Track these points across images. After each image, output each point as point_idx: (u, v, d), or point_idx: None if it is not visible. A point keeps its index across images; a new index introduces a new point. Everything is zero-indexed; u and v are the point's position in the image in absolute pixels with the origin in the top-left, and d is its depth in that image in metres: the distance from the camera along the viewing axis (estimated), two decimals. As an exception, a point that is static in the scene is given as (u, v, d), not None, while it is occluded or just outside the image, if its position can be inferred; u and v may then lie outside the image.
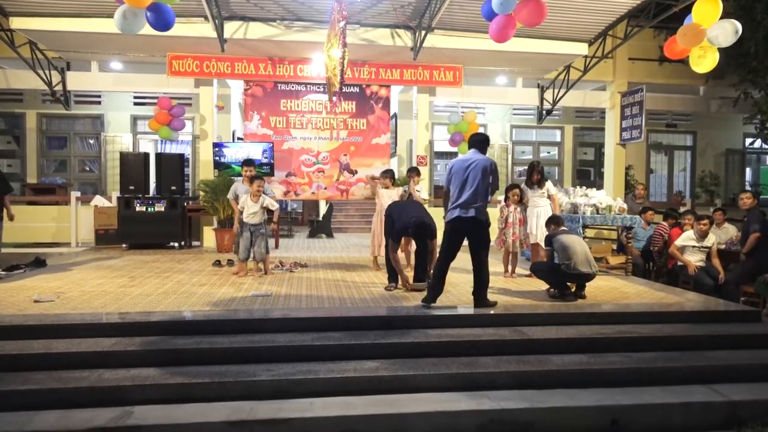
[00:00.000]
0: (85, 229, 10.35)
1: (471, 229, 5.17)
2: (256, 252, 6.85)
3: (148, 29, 6.70)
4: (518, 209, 6.91)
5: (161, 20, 6.47)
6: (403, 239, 6.68)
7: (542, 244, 6.65)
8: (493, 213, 6.21)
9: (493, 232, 7.34)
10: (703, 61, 6.95)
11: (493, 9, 6.47)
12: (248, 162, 7.87)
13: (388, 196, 7.31)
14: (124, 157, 10.03)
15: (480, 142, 5.44)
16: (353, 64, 10.81)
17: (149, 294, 5.67)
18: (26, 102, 13.37)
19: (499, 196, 8.36)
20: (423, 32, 9.85)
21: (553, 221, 6.20)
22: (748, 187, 16.15)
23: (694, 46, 6.90)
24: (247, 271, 7.01)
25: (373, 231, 7.57)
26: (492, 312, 5.08)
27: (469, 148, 5.50)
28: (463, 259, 5.42)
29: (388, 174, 7.63)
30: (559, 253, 5.72)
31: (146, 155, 10.13)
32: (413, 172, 7.57)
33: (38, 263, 8.03)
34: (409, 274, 6.85)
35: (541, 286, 6.39)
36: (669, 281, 7.68)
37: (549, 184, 7.23)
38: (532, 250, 7.26)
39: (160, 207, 9.76)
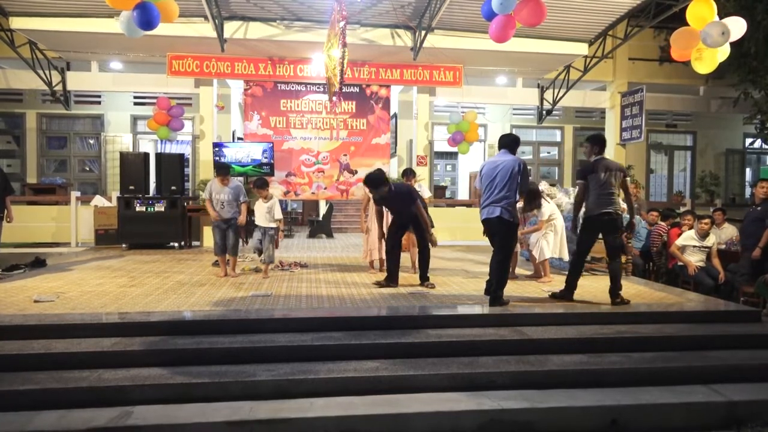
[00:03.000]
0: (85, 229, 10.35)
1: (496, 228, 5.27)
2: (265, 255, 6.83)
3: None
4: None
5: (143, 19, 6.38)
6: (406, 238, 6.68)
7: (537, 254, 6.62)
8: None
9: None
10: (700, 63, 6.94)
11: (493, 9, 6.47)
12: (221, 170, 7.00)
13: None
14: (124, 157, 10.03)
15: (511, 142, 5.49)
16: (353, 64, 10.82)
17: (149, 294, 5.67)
18: (26, 102, 13.37)
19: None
20: (423, 32, 9.86)
21: (598, 142, 5.51)
22: (748, 187, 16.16)
23: (689, 49, 6.89)
24: (234, 268, 7.01)
25: (366, 235, 7.31)
26: (492, 312, 5.08)
27: (500, 148, 5.53)
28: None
29: None
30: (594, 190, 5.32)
31: (146, 155, 10.13)
32: (409, 174, 7.49)
33: (38, 263, 8.04)
34: (414, 275, 6.88)
35: (541, 286, 6.39)
36: (669, 281, 7.68)
37: (545, 207, 6.64)
38: (530, 253, 7.17)
39: (160, 207, 9.76)
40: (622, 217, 5.56)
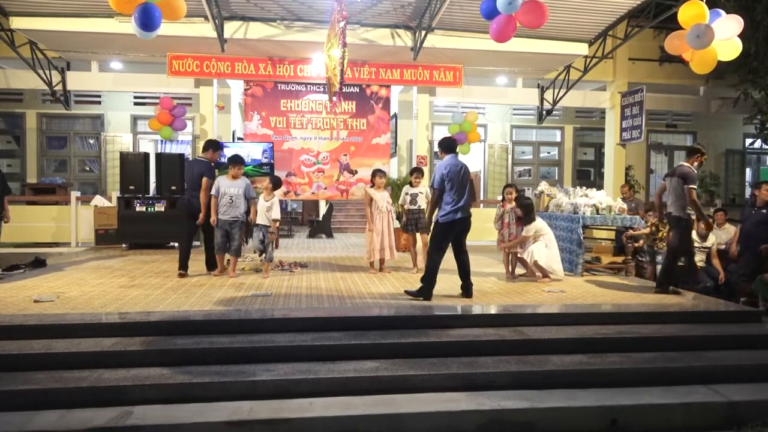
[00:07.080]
0: (85, 229, 10.35)
1: (466, 228, 5.65)
2: (266, 254, 6.81)
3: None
4: (514, 208, 6.87)
5: (143, 19, 6.29)
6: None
7: (527, 257, 6.65)
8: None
9: (493, 233, 7.35)
10: (694, 63, 6.91)
11: (497, 8, 6.44)
12: (237, 160, 6.88)
13: (381, 196, 7.26)
14: (124, 157, 10.02)
15: (454, 145, 5.96)
16: (353, 64, 10.81)
17: (149, 294, 5.67)
18: (26, 102, 13.37)
19: (497, 196, 8.31)
20: (423, 32, 9.85)
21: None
22: (748, 187, 16.15)
23: (681, 52, 6.87)
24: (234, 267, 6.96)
25: (373, 234, 7.21)
26: (492, 312, 5.09)
27: (447, 152, 5.80)
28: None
29: (379, 174, 7.36)
30: None
31: (146, 155, 10.11)
32: (414, 173, 7.52)
33: (38, 263, 8.04)
34: (415, 275, 6.87)
35: (541, 286, 6.39)
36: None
37: (531, 224, 6.66)
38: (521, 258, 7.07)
39: (160, 207, 9.75)
40: (683, 219, 5.94)
